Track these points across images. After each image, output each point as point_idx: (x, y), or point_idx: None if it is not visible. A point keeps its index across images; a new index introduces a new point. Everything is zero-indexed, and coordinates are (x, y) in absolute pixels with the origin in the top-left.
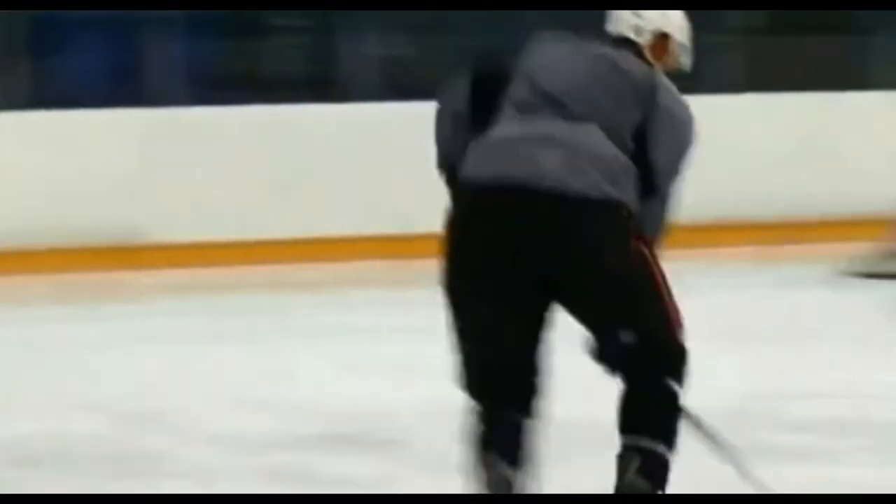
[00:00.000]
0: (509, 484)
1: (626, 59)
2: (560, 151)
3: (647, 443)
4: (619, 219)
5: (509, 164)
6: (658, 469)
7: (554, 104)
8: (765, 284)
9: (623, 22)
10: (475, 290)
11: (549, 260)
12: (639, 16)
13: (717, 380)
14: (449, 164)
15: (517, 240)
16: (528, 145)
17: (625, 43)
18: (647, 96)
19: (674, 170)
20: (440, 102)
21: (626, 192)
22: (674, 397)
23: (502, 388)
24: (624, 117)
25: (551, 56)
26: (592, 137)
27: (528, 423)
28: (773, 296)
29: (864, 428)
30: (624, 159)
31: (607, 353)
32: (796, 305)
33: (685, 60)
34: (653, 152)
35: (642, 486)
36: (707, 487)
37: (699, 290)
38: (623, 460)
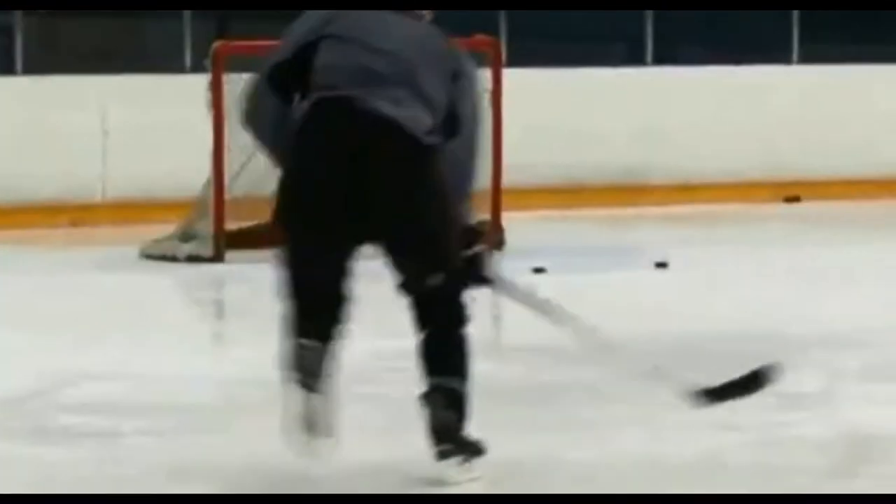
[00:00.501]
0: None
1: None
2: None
3: (450, 382)
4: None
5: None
6: (461, 402)
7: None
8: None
9: None
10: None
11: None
12: None
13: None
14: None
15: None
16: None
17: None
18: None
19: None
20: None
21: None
22: (466, 339)
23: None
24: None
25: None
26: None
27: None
28: (84, 279)
29: (143, 410)
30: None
31: (413, 289)
32: (103, 288)
33: None
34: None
35: (452, 417)
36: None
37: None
38: (431, 398)
